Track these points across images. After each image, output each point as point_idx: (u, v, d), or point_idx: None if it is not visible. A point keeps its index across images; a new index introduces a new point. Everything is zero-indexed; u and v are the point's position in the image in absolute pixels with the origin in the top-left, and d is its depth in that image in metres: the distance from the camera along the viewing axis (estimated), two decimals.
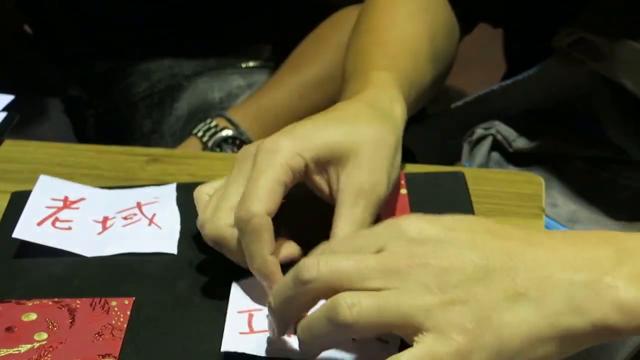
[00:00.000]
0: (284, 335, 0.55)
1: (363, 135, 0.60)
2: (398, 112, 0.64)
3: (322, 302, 0.52)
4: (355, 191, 0.58)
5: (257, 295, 0.63)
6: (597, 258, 0.49)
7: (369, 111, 0.62)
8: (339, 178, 0.59)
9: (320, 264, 0.50)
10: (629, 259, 0.49)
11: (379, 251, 0.50)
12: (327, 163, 0.60)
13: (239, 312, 0.61)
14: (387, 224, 0.52)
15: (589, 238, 0.51)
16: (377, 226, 0.53)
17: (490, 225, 0.51)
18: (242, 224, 0.57)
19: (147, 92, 1.16)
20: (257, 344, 0.59)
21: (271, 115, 0.96)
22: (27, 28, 1.24)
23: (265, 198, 0.57)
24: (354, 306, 0.48)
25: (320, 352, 0.54)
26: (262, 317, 0.60)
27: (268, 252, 0.58)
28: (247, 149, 0.61)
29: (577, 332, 0.48)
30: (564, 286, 0.48)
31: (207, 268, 0.68)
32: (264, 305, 0.59)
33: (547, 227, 0.77)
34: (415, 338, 0.48)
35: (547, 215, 0.78)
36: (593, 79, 0.83)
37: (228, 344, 0.59)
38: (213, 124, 0.98)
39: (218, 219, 0.60)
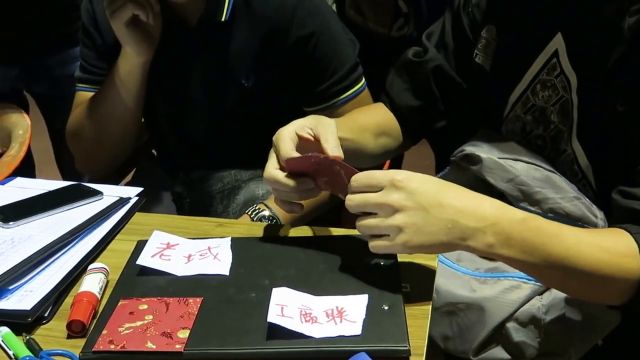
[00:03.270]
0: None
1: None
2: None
3: None
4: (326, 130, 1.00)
5: (285, 298, 0.86)
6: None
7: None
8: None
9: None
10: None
11: None
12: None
13: (276, 304, 0.86)
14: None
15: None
16: None
17: None
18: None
19: (220, 190, 1.37)
20: (287, 322, 0.83)
21: None
22: (153, 151, 1.51)
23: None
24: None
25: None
26: (288, 310, 0.84)
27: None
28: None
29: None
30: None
31: (245, 283, 0.92)
32: (289, 303, 0.85)
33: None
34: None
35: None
36: (474, 178, 1.10)
37: (271, 319, 0.83)
38: (257, 207, 1.21)
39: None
